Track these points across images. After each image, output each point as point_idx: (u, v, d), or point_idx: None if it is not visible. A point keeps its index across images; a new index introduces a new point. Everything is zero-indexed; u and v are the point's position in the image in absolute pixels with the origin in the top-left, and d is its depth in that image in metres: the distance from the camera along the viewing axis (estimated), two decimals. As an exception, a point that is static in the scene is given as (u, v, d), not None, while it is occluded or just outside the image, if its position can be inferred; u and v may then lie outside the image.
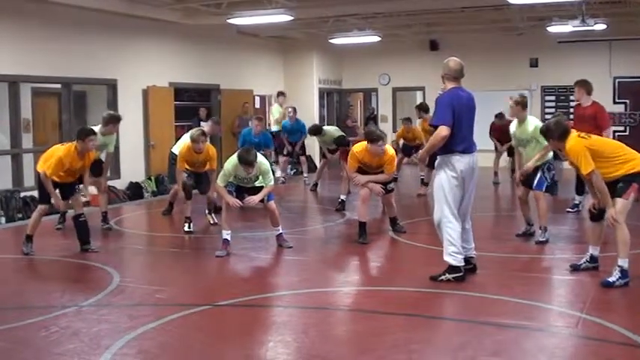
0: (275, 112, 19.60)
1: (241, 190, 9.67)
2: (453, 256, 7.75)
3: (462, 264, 7.80)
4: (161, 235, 11.80)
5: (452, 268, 7.77)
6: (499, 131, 16.77)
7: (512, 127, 10.17)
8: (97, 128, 10.73)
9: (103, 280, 8.17)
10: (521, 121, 9.95)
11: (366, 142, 10.19)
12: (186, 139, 11.86)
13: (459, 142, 7.65)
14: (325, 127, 16.64)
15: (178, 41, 17.35)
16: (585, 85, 11.87)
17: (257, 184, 9.70)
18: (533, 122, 9.94)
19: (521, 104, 10.00)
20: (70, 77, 14.51)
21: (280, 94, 20.28)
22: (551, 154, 9.93)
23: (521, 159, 10.15)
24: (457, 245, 7.74)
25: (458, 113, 7.59)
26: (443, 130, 7.51)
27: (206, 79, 18.47)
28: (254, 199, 9.52)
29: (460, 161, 7.67)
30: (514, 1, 13.76)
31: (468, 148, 7.74)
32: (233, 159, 9.46)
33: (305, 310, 7.23)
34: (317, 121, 21.52)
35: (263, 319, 6.95)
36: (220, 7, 15.13)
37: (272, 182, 9.70)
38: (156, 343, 6.10)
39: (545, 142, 9.54)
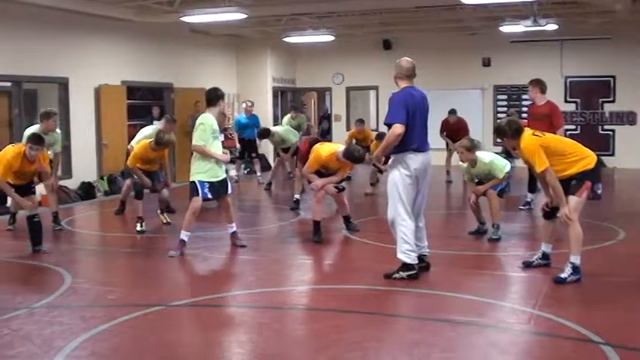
0: (285, 123, 18.97)
1: (215, 189, 9.51)
2: (406, 254, 7.78)
3: (416, 262, 7.84)
4: (113, 235, 11.69)
5: (405, 266, 7.80)
6: (451, 128, 16.90)
7: (463, 165, 10.21)
8: (37, 127, 10.64)
9: (55, 282, 8.06)
10: (473, 164, 10.01)
11: (337, 149, 10.20)
12: (144, 135, 11.87)
13: (413, 140, 7.68)
14: (274, 128, 16.71)
15: (131, 39, 17.18)
16: (539, 84, 12.00)
17: (222, 176, 9.57)
18: (487, 157, 10.05)
19: (471, 149, 9.96)
20: (21, 75, 14.29)
21: (293, 108, 19.83)
22: (508, 166, 10.17)
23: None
24: (411, 243, 7.78)
25: (412, 112, 7.62)
26: (397, 129, 7.53)
27: (159, 77, 18.31)
28: (227, 157, 9.57)
29: (414, 160, 7.70)
30: (467, 1, 13.85)
31: (422, 146, 7.78)
32: (206, 114, 9.40)
33: (260, 309, 7.21)
34: (271, 120, 21.56)
35: (217, 319, 6.91)
36: (173, 5, 15.02)
37: (234, 173, 9.82)
38: (109, 344, 6.04)
39: (502, 174, 9.78)
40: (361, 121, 17.16)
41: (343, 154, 10.03)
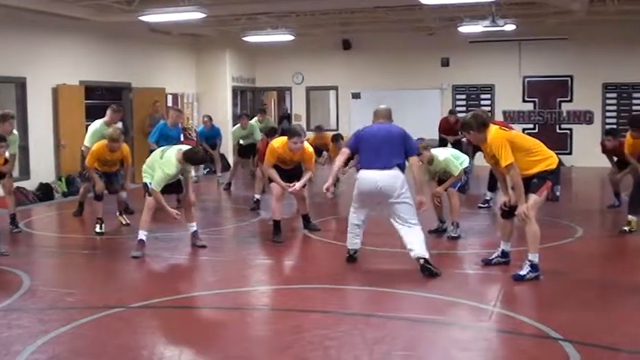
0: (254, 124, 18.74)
1: (164, 188, 9.48)
2: (348, 240, 8.75)
3: (353, 247, 8.70)
4: (72, 236, 11.56)
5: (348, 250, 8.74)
6: (451, 127, 16.99)
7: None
8: None
9: (13, 284, 7.95)
10: (431, 162, 10.13)
11: (286, 137, 10.23)
12: (94, 129, 11.78)
13: (361, 162, 8.51)
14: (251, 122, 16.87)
15: (89, 39, 17.01)
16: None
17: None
18: (442, 155, 10.22)
19: (426, 147, 10.06)
20: (-24, 75, 14.13)
21: (260, 111, 19.77)
22: (466, 161, 10.22)
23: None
24: (350, 231, 8.68)
25: (364, 141, 8.47)
26: (342, 151, 8.81)
27: (118, 77, 18.15)
28: (192, 199, 9.77)
29: (361, 177, 8.43)
30: (426, 1, 13.91)
31: (368, 164, 8.35)
32: (170, 161, 9.24)
33: (220, 310, 7.20)
34: (230, 119, 21.45)
35: (178, 321, 6.88)
36: (132, 4, 14.91)
37: (192, 171, 10.01)
38: (68, 347, 5.98)
39: (457, 171, 9.87)
40: (319, 128, 17.13)
41: (287, 131, 10.34)
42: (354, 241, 8.69)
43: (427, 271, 8.02)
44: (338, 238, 10.12)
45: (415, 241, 8.18)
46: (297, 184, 10.16)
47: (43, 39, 15.71)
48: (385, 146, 8.29)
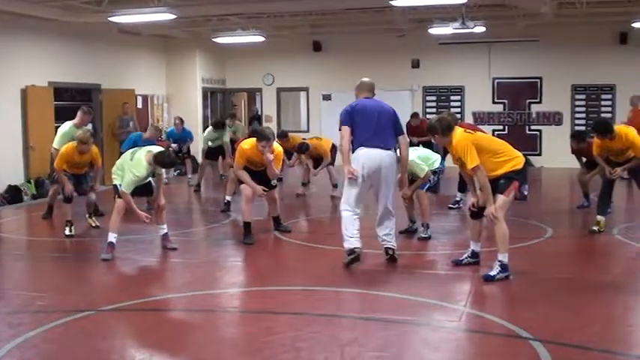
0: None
1: (134, 190, 9.45)
2: (346, 241, 8.42)
3: (355, 246, 8.36)
4: (42, 239, 11.48)
5: (347, 251, 8.40)
6: (414, 131, 17.09)
7: None
8: None
9: (-19, 287, 7.89)
10: None
11: (255, 139, 10.21)
12: (63, 132, 11.68)
13: (359, 139, 8.36)
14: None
15: (58, 39, 16.87)
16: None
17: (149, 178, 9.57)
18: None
19: None
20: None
21: (231, 115, 19.76)
22: (437, 162, 10.26)
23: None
24: (348, 230, 8.39)
25: (358, 116, 8.41)
26: (344, 130, 8.39)
27: (87, 78, 18.01)
28: (162, 203, 9.71)
29: (362, 155, 8.32)
30: (396, 3, 13.94)
31: (368, 142, 8.32)
32: (141, 163, 9.19)
33: (191, 312, 7.17)
34: (200, 121, 21.41)
35: (149, 323, 6.83)
36: (101, 5, 14.80)
37: (164, 173, 9.98)
38: (38, 351, 5.93)
39: (423, 173, 9.91)
40: (284, 135, 16.94)
41: (256, 134, 10.30)
42: (354, 239, 8.40)
43: (392, 259, 8.59)
44: (309, 239, 10.14)
45: (392, 237, 8.62)
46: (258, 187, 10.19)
47: (11, 40, 15.56)
48: (382, 126, 8.46)
